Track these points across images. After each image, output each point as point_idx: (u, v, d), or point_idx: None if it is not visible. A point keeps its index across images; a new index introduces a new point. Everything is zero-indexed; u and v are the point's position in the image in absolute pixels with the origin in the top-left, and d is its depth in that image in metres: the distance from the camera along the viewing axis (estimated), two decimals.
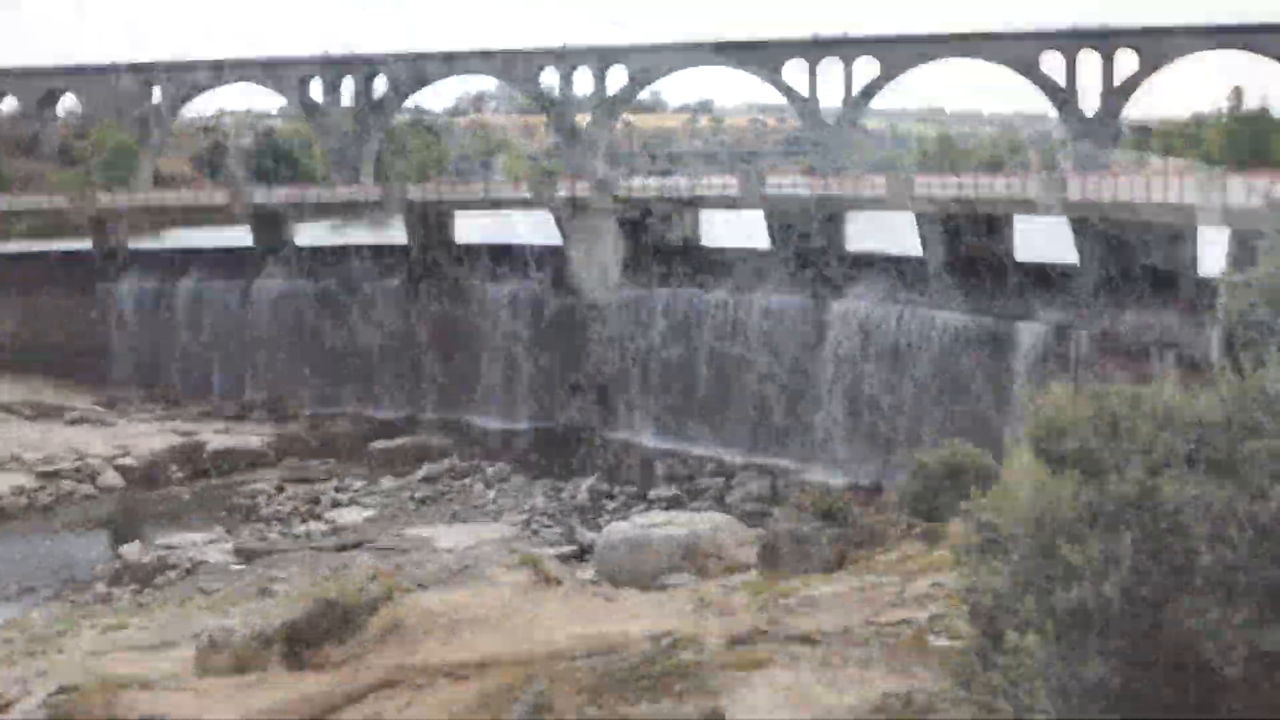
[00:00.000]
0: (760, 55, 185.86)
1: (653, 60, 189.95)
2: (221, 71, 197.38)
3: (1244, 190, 54.87)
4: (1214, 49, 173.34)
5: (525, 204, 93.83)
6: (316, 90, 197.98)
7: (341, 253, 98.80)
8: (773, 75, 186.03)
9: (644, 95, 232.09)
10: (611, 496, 70.34)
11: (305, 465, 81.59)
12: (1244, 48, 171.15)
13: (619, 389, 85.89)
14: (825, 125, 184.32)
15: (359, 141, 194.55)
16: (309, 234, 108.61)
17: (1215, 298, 34.13)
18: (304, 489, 75.46)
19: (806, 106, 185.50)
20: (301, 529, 67.44)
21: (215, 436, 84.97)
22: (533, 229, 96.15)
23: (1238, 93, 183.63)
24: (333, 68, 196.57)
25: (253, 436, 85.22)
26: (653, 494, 69.99)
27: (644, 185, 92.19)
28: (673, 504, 66.15)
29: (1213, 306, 46.77)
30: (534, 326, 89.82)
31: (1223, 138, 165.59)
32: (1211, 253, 58.83)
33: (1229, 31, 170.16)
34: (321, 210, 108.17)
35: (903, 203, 75.06)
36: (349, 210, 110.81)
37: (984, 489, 15.30)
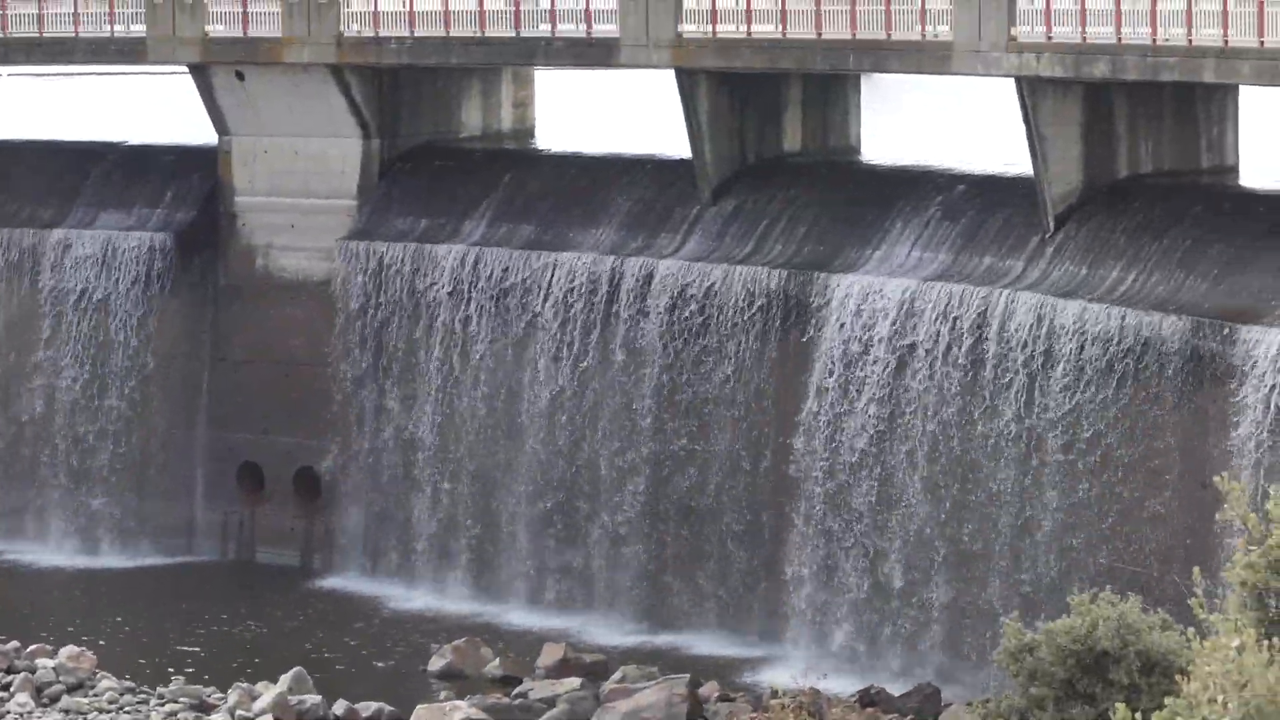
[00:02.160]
0: None
1: None
2: None
3: None
4: None
5: (130, 53, 63.81)
6: None
7: None
8: None
9: None
10: None
11: None
12: None
13: (353, 479, 60.23)
14: None
15: None
16: None
17: None
18: None
19: None
20: None
21: None
22: (151, 110, 72.56)
23: None
24: None
25: None
26: (423, 715, 50.93)
27: (405, 11, 61.31)
28: None
29: None
30: (152, 330, 63.24)
31: None
32: None
33: None
34: None
35: (986, 59, 49.99)
36: None
37: (1157, 701, 12.10)
